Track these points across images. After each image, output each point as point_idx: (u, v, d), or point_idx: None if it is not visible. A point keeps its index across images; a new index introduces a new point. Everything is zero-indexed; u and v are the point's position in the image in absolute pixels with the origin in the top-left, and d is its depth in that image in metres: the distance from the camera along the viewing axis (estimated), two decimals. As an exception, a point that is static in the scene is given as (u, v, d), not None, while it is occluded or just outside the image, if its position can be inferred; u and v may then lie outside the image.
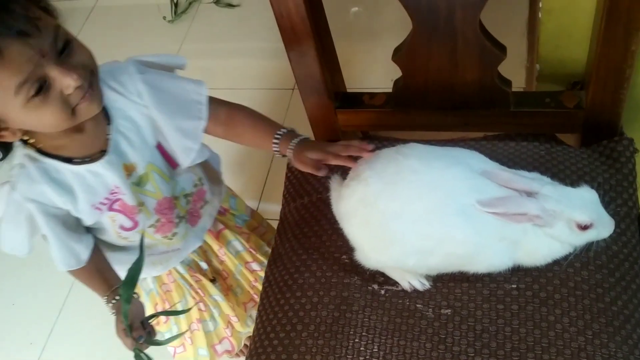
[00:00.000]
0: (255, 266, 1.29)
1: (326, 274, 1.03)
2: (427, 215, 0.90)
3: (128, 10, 2.56)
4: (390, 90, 1.13)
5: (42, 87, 0.77)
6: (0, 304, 1.86)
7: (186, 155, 1.00)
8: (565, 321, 0.90)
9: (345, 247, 1.03)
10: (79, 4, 2.63)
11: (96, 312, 1.69)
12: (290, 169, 1.25)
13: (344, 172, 1.01)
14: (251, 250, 1.28)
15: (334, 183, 1.04)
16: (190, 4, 2.46)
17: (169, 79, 0.98)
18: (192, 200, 1.10)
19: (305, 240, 1.09)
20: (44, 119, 0.80)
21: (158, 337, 1.24)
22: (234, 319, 1.31)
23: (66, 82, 0.78)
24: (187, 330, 1.27)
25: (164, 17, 2.42)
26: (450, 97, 1.08)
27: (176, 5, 2.45)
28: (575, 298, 0.92)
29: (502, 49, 1.00)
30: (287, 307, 1.02)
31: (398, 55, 1.04)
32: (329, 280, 1.02)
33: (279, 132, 1.01)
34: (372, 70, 1.97)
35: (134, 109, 0.94)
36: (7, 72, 0.73)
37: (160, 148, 0.99)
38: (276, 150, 1.02)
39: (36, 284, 1.86)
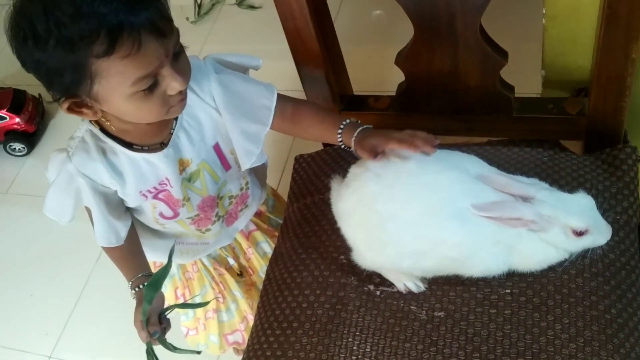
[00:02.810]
0: None
1: (324, 273, 1.05)
2: (423, 217, 0.91)
3: (152, 11, 2.61)
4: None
5: (153, 84, 0.81)
6: (19, 294, 1.92)
7: (247, 158, 1.01)
8: (557, 327, 0.90)
9: (343, 247, 1.04)
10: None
11: (111, 305, 1.76)
12: (295, 169, 1.27)
13: (344, 172, 1.03)
14: None
15: (334, 183, 1.05)
16: (213, 5, 2.50)
17: (243, 81, 1.00)
18: (234, 202, 1.13)
19: (305, 240, 1.11)
20: (141, 112, 0.85)
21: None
22: (250, 317, 1.34)
23: (174, 84, 0.82)
24: (198, 352, 1.29)
25: (187, 18, 2.47)
26: (453, 101, 1.09)
27: (199, 6, 2.49)
28: (569, 305, 0.92)
29: (504, 54, 1.01)
30: (284, 305, 1.04)
31: (400, 59, 1.06)
32: (326, 280, 1.04)
33: (342, 124, 1.00)
34: (393, 72, 1.98)
35: (202, 108, 0.97)
36: (138, 63, 0.77)
37: (216, 148, 1.02)
38: (340, 141, 1.00)
39: (54, 276, 1.91)
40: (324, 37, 1.07)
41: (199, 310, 1.30)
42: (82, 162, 0.93)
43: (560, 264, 0.93)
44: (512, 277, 0.95)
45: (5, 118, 2.19)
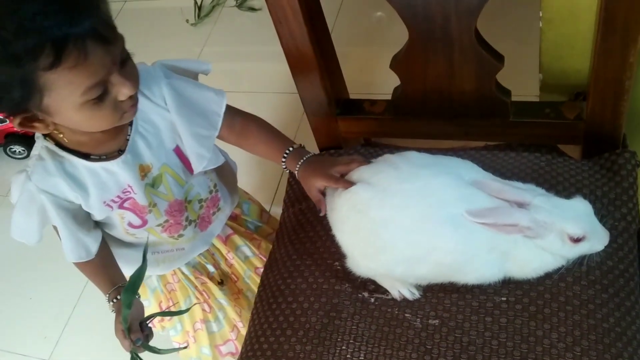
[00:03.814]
0: None
1: (318, 280, 1.04)
2: (416, 224, 0.90)
3: (153, 13, 2.61)
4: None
5: (103, 92, 0.81)
6: (18, 298, 1.91)
7: (199, 162, 1.02)
8: (553, 337, 0.89)
9: (338, 253, 1.03)
10: (106, 7, 2.69)
11: (109, 309, 1.75)
12: (292, 174, 1.26)
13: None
14: (261, 256, 1.29)
15: (329, 189, 1.04)
16: (213, 7, 2.49)
17: (193, 86, 1.00)
18: (205, 205, 1.12)
19: (300, 246, 1.10)
20: (94, 120, 0.85)
21: (161, 332, 1.27)
22: (239, 324, 1.32)
23: (124, 90, 0.83)
24: (184, 347, 1.30)
25: (187, 20, 2.46)
26: (449, 105, 1.07)
27: (199, 8, 2.48)
28: (565, 313, 0.90)
29: (500, 58, 0.99)
30: (278, 311, 1.03)
31: (395, 63, 1.04)
32: (320, 287, 1.03)
33: (287, 150, 1.06)
34: (394, 74, 1.96)
35: (156, 112, 0.97)
36: (86, 73, 0.77)
37: (178, 151, 1.01)
38: (285, 168, 1.07)
39: (53, 279, 1.90)
40: (318, 41, 1.06)
41: (187, 323, 1.29)
42: (41, 180, 0.92)
43: (557, 270, 0.92)
44: (508, 285, 0.94)
45: (6, 121, 2.19)
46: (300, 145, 1.09)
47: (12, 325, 1.86)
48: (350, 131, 1.20)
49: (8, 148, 2.24)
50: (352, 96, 1.25)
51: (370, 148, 1.21)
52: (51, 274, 1.92)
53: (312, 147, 1.25)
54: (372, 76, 1.99)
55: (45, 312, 1.85)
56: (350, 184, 0.97)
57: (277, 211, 1.83)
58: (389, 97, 1.14)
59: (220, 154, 1.07)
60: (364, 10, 2.28)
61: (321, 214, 1.04)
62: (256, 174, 1.90)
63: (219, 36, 2.42)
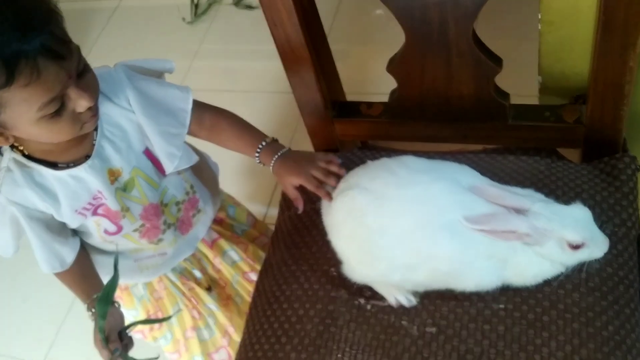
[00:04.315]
0: (253, 276, 1.28)
1: (313, 286, 1.02)
2: (413, 230, 0.89)
3: (149, 11, 2.59)
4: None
5: (60, 106, 0.81)
6: (11, 301, 1.90)
7: (170, 161, 1.01)
8: (552, 345, 0.87)
9: (334, 259, 1.01)
10: (102, 5, 2.68)
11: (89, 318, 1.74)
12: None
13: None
14: (249, 260, 1.27)
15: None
16: (210, 5, 2.47)
17: (156, 85, 0.99)
18: (183, 208, 1.10)
19: (295, 251, 1.08)
20: (53, 133, 0.84)
21: (153, 342, 1.26)
22: (230, 330, 1.31)
23: (82, 102, 0.82)
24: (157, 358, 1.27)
25: (184, 19, 2.44)
26: (446, 109, 1.06)
27: (196, 6, 2.46)
28: (564, 321, 0.89)
29: (498, 61, 0.98)
30: (273, 318, 1.02)
31: (392, 65, 1.03)
32: (316, 293, 1.01)
33: (261, 145, 1.05)
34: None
35: (121, 114, 0.96)
36: (40, 90, 0.77)
37: (148, 154, 1.00)
38: (258, 162, 1.06)
39: (47, 282, 1.88)
40: (314, 43, 1.04)
41: (177, 332, 1.27)
42: (10, 191, 0.92)
43: (556, 277, 0.90)
44: (507, 292, 0.92)
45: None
46: (274, 138, 1.08)
47: (6, 329, 1.85)
48: (347, 134, 1.18)
49: None
50: (350, 94, 1.23)
51: (367, 151, 1.19)
52: (45, 278, 1.86)
53: (309, 149, 1.24)
54: (370, 74, 1.97)
55: (39, 315, 1.84)
56: (330, 197, 0.99)
57: (273, 213, 1.82)
58: (387, 95, 1.12)
59: (192, 153, 1.06)
60: (363, 8, 2.27)
61: (299, 212, 1.07)
62: (252, 177, 1.88)
63: (216, 34, 2.40)
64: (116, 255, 0.90)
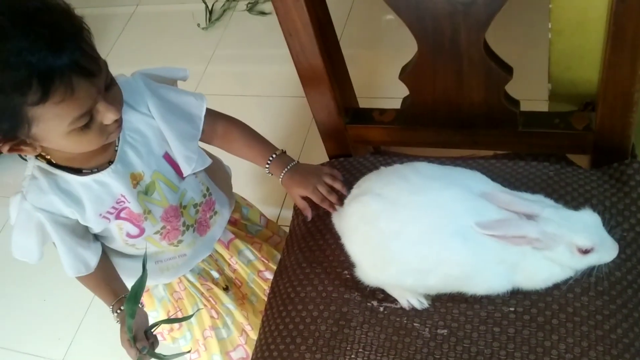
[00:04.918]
0: (268, 275, 1.32)
1: (327, 288, 1.05)
2: (425, 236, 0.91)
3: (164, 17, 2.63)
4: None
5: (90, 119, 0.84)
6: (32, 299, 1.94)
7: (187, 164, 1.04)
8: (561, 347, 0.89)
9: (347, 262, 1.04)
10: (119, 11, 2.72)
11: (114, 320, 1.77)
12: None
13: (350, 185, 1.06)
14: (263, 259, 1.30)
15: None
16: (224, 11, 2.51)
17: (174, 93, 1.04)
18: (201, 210, 1.14)
19: (310, 254, 1.11)
20: (81, 144, 0.88)
21: (172, 344, 1.29)
22: (247, 328, 1.34)
23: (109, 115, 0.86)
24: (187, 352, 1.31)
25: (198, 24, 2.48)
26: (457, 116, 1.08)
27: (210, 12, 2.50)
28: (574, 324, 0.91)
29: (508, 69, 1.00)
30: (288, 319, 1.05)
31: (404, 74, 1.05)
32: (330, 295, 1.04)
33: (271, 157, 1.11)
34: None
35: (142, 120, 0.99)
36: (73, 106, 0.80)
37: (167, 158, 1.04)
38: (268, 173, 1.12)
39: (66, 281, 1.92)
40: (328, 52, 1.07)
41: (196, 331, 1.31)
42: (36, 198, 0.94)
43: (565, 281, 0.92)
44: (517, 295, 0.94)
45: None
46: (283, 151, 1.14)
47: (26, 327, 1.89)
48: (360, 140, 1.21)
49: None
50: (361, 99, 1.26)
51: (380, 156, 1.22)
52: (64, 276, 1.93)
53: (322, 154, 1.27)
54: (382, 79, 2.00)
55: (59, 313, 1.88)
56: (333, 208, 1.08)
57: (286, 215, 1.86)
58: (399, 100, 1.15)
59: (206, 156, 1.10)
60: (374, 14, 2.29)
61: (308, 220, 1.14)
62: (265, 179, 1.91)
63: (230, 40, 2.44)
64: (145, 255, 0.92)
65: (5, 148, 0.85)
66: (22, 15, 0.75)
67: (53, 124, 0.81)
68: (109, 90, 0.86)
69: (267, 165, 1.12)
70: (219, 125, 1.12)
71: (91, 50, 0.82)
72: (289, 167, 1.11)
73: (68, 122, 0.82)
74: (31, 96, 0.76)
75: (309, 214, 1.14)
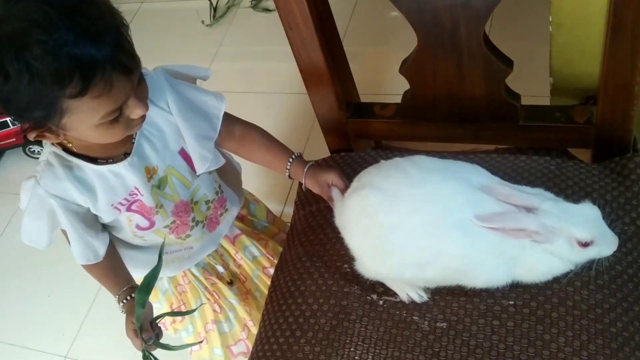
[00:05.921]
0: (272, 271, 1.32)
1: (327, 282, 1.05)
2: (424, 228, 0.91)
3: (169, 14, 2.64)
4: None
5: (119, 114, 0.85)
6: (36, 295, 1.96)
7: (202, 163, 1.04)
8: (560, 341, 0.89)
9: (347, 256, 1.04)
10: (123, 8, 2.68)
11: (119, 310, 1.78)
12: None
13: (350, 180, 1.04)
14: (269, 255, 1.31)
15: (337, 194, 1.05)
16: (228, 8, 2.51)
17: (194, 91, 1.03)
18: (212, 207, 1.14)
19: (310, 248, 1.11)
20: (106, 136, 0.88)
21: (174, 334, 1.29)
22: (250, 323, 1.34)
23: (138, 111, 0.86)
24: (198, 342, 1.32)
25: (203, 21, 2.48)
26: (458, 110, 1.08)
27: (215, 9, 2.50)
28: (573, 317, 0.90)
29: (509, 62, 1.00)
30: (288, 313, 1.05)
31: (405, 68, 1.05)
32: (330, 289, 1.04)
33: (291, 157, 1.11)
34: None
35: (160, 115, 0.99)
36: (109, 101, 0.81)
37: (183, 154, 1.04)
38: (287, 175, 1.11)
39: (70, 277, 1.94)
40: (329, 45, 1.07)
41: (199, 324, 1.31)
42: (50, 184, 0.94)
43: (565, 275, 0.92)
44: (516, 289, 0.94)
45: (25, 121, 2.23)
46: (300, 153, 1.14)
47: (30, 323, 1.90)
48: (361, 134, 1.21)
49: (27, 148, 2.28)
50: (365, 96, 1.26)
51: (381, 150, 1.22)
52: (68, 272, 1.95)
53: (325, 152, 1.27)
54: (385, 75, 2.00)
55: (63, 309, 1.89)
56: (332, 201, 1.06)
57: (289, 211, 1.86)
58: (396, 99, 1.15)
59: (220, 156, 1.09)
60: (378, 10, 2.29)
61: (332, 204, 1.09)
62: (269, 175, 1.91)
63: (234, 37, 2.44)
64: (162, 245, 0.91)
65: (33, 135, 0.85)
66: (69, 7, 0.75)
67: (85, 116, 0.81)
68: (139, 85, 0.86)
69: (287, 168, 1.11)
70: (237, 128, 1.11)
71: (130, 47, 0.81)
72: (310, 164, 1.11)
73: (100, 115, 0.82)
74: (70, 89, 0.76)
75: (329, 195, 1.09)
